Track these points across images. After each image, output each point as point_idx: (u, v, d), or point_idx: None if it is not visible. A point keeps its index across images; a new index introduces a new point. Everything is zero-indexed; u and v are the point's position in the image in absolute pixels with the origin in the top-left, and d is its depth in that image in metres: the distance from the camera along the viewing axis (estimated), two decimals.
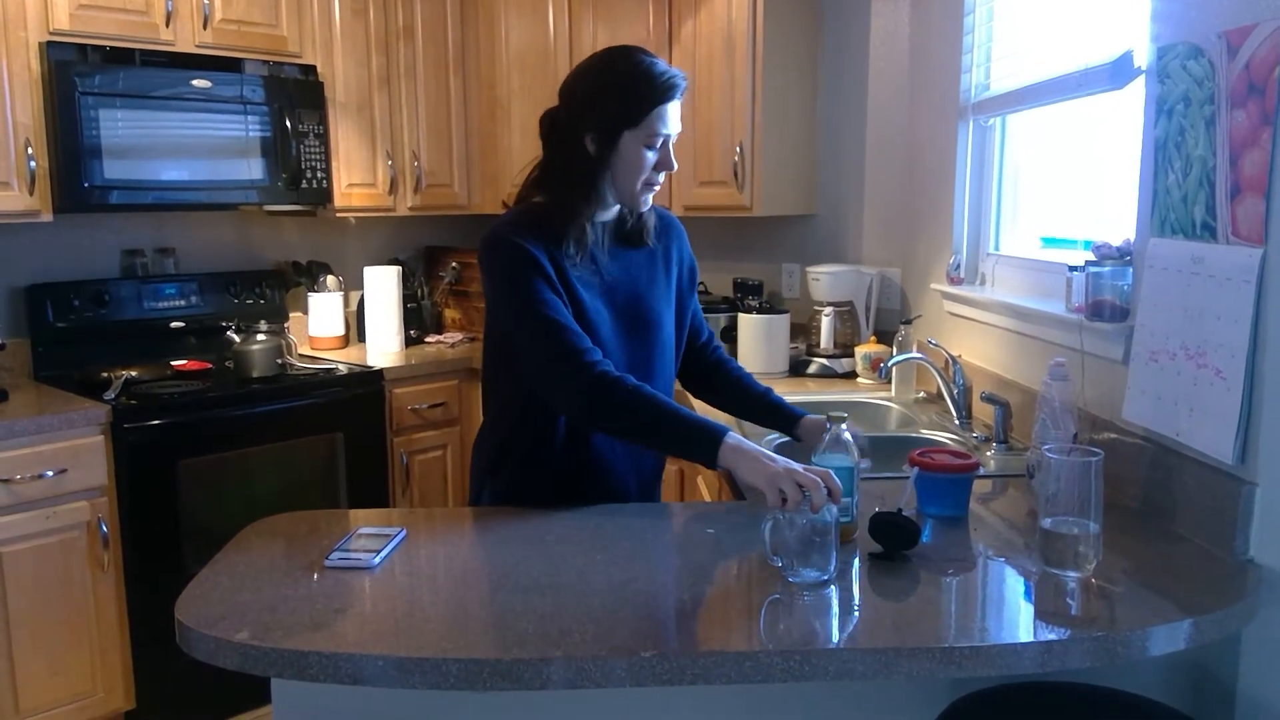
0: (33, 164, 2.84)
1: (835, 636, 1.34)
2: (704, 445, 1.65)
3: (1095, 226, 2.25)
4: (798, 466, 1.54)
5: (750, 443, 1.64)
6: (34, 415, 2.66)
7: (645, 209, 1.84)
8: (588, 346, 1.70)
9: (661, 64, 1.76)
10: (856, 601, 1.46)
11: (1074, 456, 1.50)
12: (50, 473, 2.65)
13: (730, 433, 1.65)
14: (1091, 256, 1.96)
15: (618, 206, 1.84)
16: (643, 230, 1.88)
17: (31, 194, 2.85)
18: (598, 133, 1.74)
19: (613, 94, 1.74)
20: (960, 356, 2.59)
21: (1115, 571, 1.51)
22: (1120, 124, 2.09)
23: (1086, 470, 1.47)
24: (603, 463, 1.86)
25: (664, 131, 1.74)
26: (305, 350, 3.62)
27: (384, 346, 3.71)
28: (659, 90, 1.73)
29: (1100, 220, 2.25)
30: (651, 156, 1.75)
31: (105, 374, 3.03)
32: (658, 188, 1.81)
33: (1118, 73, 1.99)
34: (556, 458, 1.84)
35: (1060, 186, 2.55)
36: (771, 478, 1.53)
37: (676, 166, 1.80)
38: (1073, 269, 2.05)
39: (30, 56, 2.82)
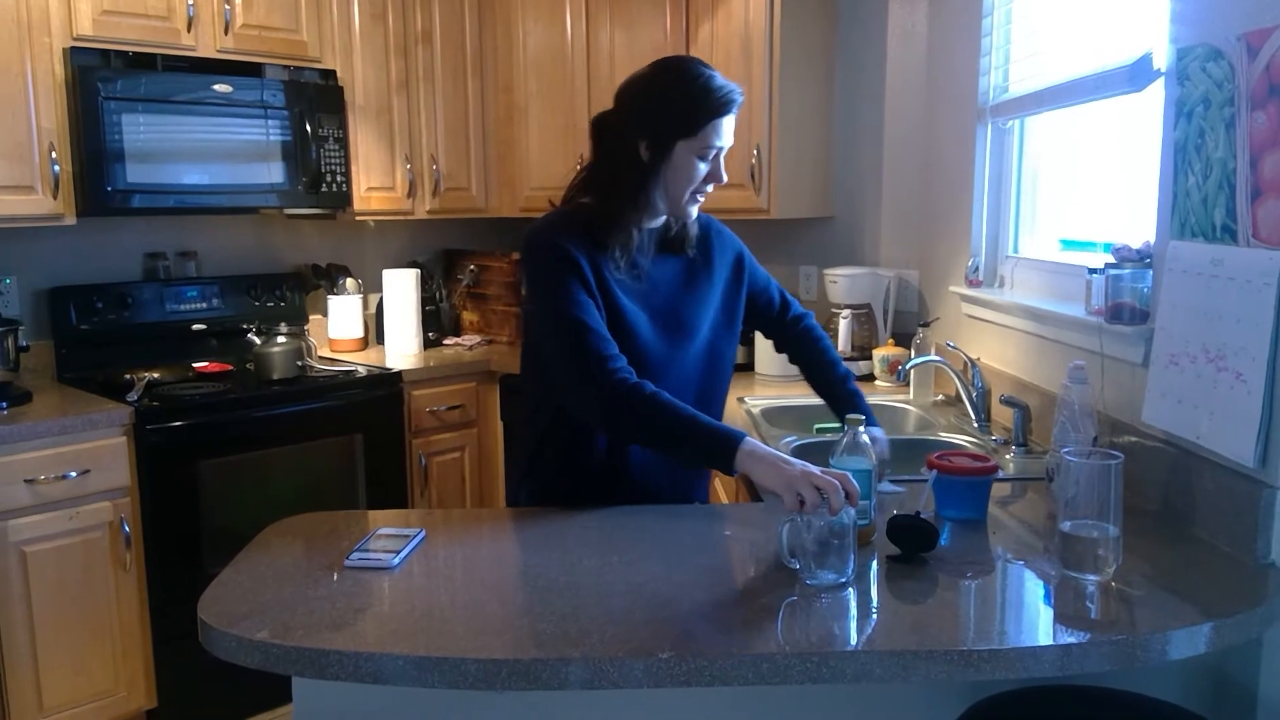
0: (56, 168, 2.87)
1: (853, 639, 1.34)
2: (720, 453, 1.64)
3: (1115, 229, 2.24)
4: (815, 469, 1.54)
5: (766, 446, 1.64)
6: (57, 416, 2.69)
7: (691, 219, 1.84)
8: (612, 353, 1.70)
9: (720, 77, 1.77)
10: (874, 604, 1.46)
11: (1093, 459, 1.49)
12: (73, 473, 2.67)
13: (746, 438, 1.64)
14: (1111, 259, 1.96)
15: (665, 215, 1.84)
16: (685, 239, 1.88)
17: (55, 197, 2.88)
18: (652, 140, 1.75)
19: (671, 103, 1.74)
20: (979, 359, 2.59)
21: (1135, 575, 1.50)
22: (1139, 126, 2.09)
23: (1106, 473, 1.46)
24: (636, 463, 1.86)
25: (718, 144, 1.75)
26: (325, 352, 3.64)
27: (402, 349, 3.72)
28: (717, 102, 1.73)
29: (1120, 223, 2.24)
30: (703, 168, 1.77)
31: (128, 376, 3.06)
32: (703, 199, 1.82)
33: (1137, 75, 1.98)
34: (589, 457, 1.85)
35: (1079, 189, 2.54)
36: (789, 481, 1.53)
37: (726, 179, 1.80)
38: (1092, 271, 2.05)
39: (54, 62, 2.86)
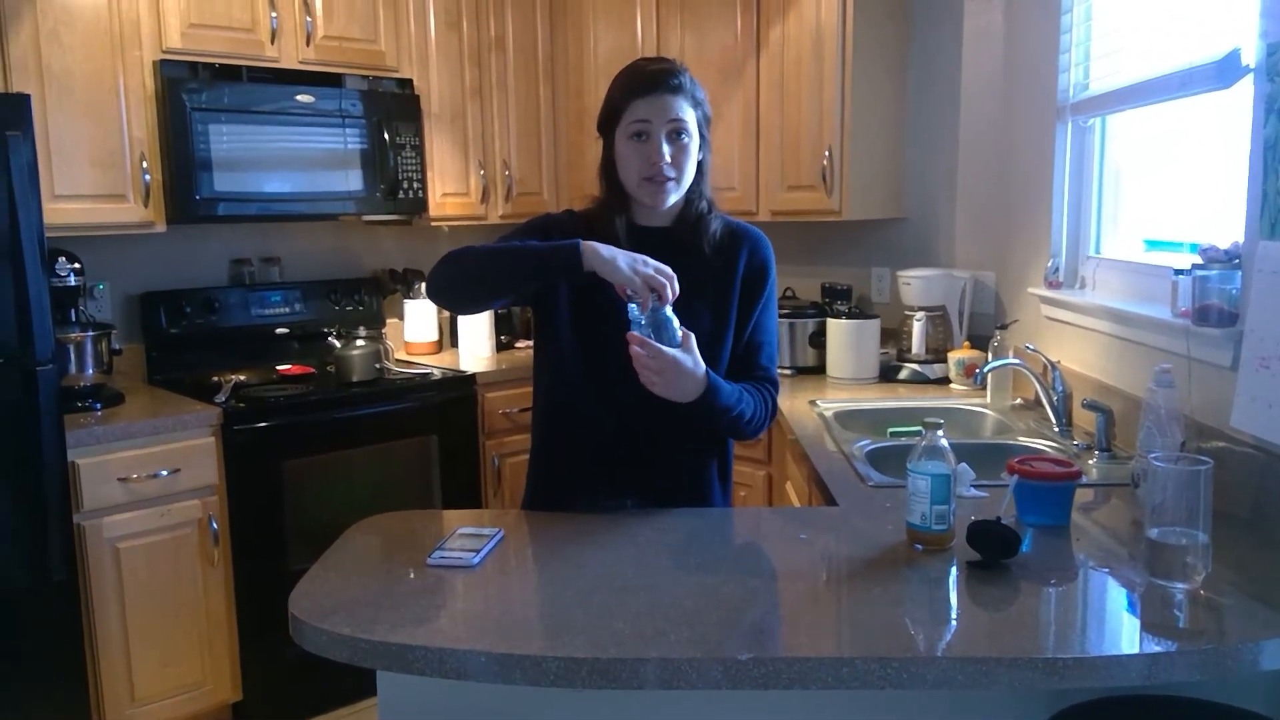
0: (147, 177, 2.98)
1: (933, 644, 1.33)
2: (564, 257, 1.67)
3: (1202, 229, 2.18)
4: (650, 261, 1.65)
5: (601, 244, 1.67)
6: (149, 418, 2.79)
7: (664, 205, 1.82)
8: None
9: (655, 63, 1.82)
10: (955, 610, 1.45)
11: (1182, 465, 1.46)
12: (164, 472, 2.77)
13: (583, 241, 1.67)
14: (1198, 260, 1.91)
15: (669, 210, 1.84)
16: (700, 241, 1.85)
17: (146, 206, 2.99)
18: (601, 135, 1.84)
19: (607, 98, 1.83)
20: (1059, 362, 2.54)
21: (1223, 583, 1.47)
22: (1228, 123, 2.03)
23: (1195, 479, 1.43)
24: (636, 459, 1.86)
25: (643, 119, 1.75)
26: (401, 355, 3.72)
27: (476, 351, 3.78)
28: (635, 83, 1.78)
29: (1207, 222, 2.18)
30: (639, 149, 1.77)
31: (215, 378, 3.16)
32: (667, 182, 1.78)
33: (1224, 71, 1.93)
34: (589, 451, 1.88)
35: (1164, 188, 2.47)
36: (633, 266, 1.63)
37: (668, 158, 1.76)
38: (1178, 272, 2.00)
39: (145, 74, 2.96)
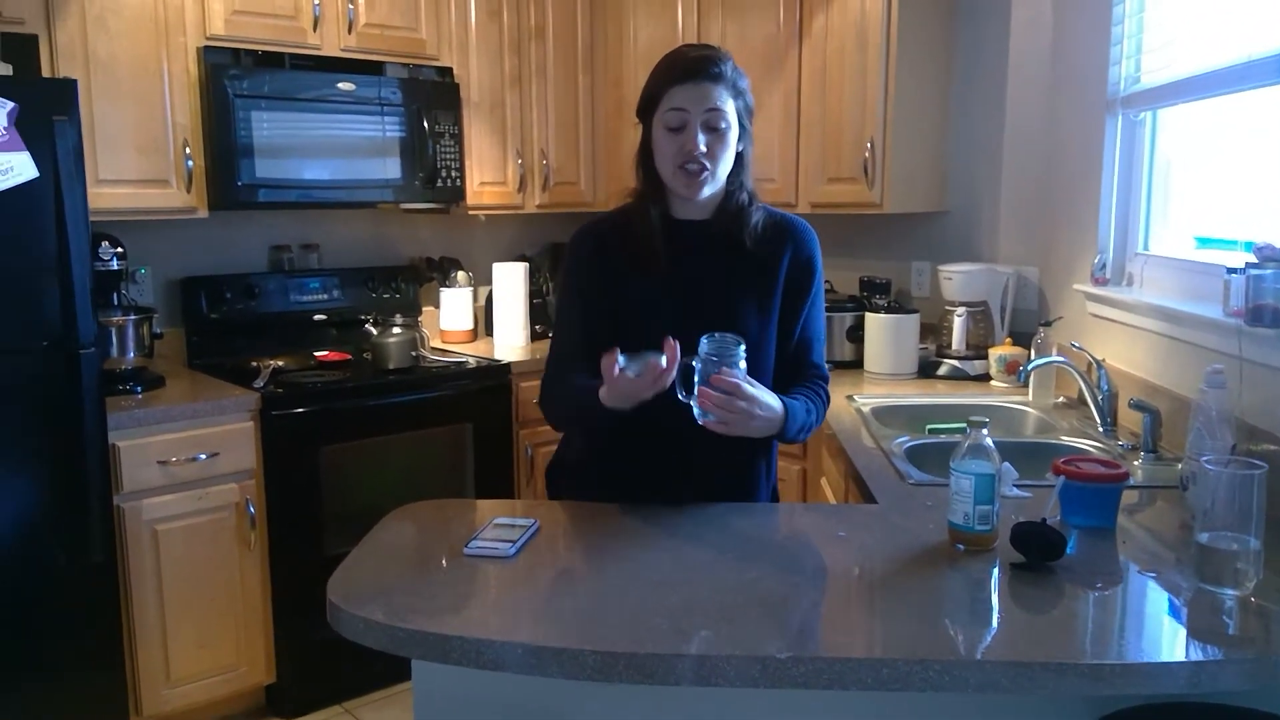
0: (190, 163, 3.00)
1: (975, 647, 1.31)
2: (594, 408, 1.69)
3: (1257, 226, 2.13)
4: (636, 379, 1.61)
5: (609, 382, 1.64)
6: (189, 401, 2.82)
7: (699, 196, 1.78)
8: (567, 354, 1.84)
9: (695, 50, 1.80)
10: (997, 613, 1.43)
11: (1234, 468, 1.43)
12: (203, 455, 2.79)
13: (599, 392, 1.67)
14: (1252, 258, 1.86)
15: (708, 202, 1.81)
16: (741, 233, 1.82)
17: (189, 191, 3.01)
18: (640, 122, 1.82)
19: (646, 82, 1.81)
20: (1105, 361, 2.49)
21: (1274, 590, 1.43)
22: None
23: (1249, 483, 1.39)
24: (682, 461, 1.84)
25: (679, 107, 1.73)
26: (436, 343, 3.72)
27: (510, 341, 3.78)
28: (672, 71, 1.76)
29: (1262, 219, 2.13)
30: (674, 137, 1.74)
31: (254, 363, 3.18)
32: (701, 173, 1.74)
33: None
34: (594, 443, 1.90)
35: (1217, 183, 2.42)
36: (641, 391, 1.62)
37: (703, 147, 1.73)
38: (1231, 271, 1.95)
39: (189, 61, 2.98)
